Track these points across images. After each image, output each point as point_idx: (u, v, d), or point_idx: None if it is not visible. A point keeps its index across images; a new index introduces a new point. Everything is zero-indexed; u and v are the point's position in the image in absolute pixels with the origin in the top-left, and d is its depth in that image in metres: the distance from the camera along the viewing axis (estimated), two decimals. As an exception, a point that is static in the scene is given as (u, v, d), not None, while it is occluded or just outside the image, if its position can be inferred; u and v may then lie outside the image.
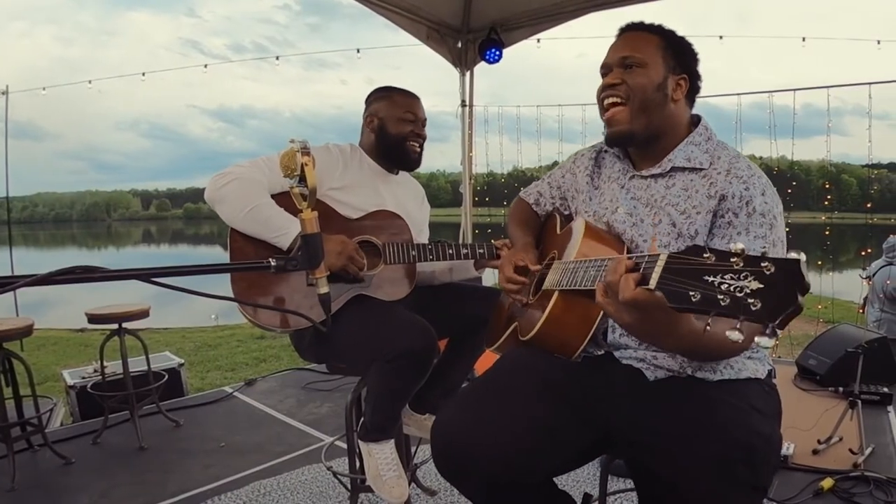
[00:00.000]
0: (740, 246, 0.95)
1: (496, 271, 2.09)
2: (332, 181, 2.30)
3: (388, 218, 2.38)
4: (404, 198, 2.54)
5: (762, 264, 0.91)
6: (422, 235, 2.60)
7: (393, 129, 2.43)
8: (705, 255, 0.97)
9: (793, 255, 0.91)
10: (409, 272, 2.38)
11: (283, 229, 2.12)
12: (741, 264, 0.93)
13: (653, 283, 1.03)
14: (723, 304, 0.93)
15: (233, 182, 2.13)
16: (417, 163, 2.53)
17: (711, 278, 0.95)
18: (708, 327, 0.98)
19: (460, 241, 2.40)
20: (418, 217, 2.59)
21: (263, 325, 2.20)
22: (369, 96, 2.53)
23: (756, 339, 0.93)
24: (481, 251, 2.37)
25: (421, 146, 2.50)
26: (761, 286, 0.91)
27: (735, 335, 0.93)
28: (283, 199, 2.18)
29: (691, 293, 0.97)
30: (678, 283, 0.99)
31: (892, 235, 6.11)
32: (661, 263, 1.03)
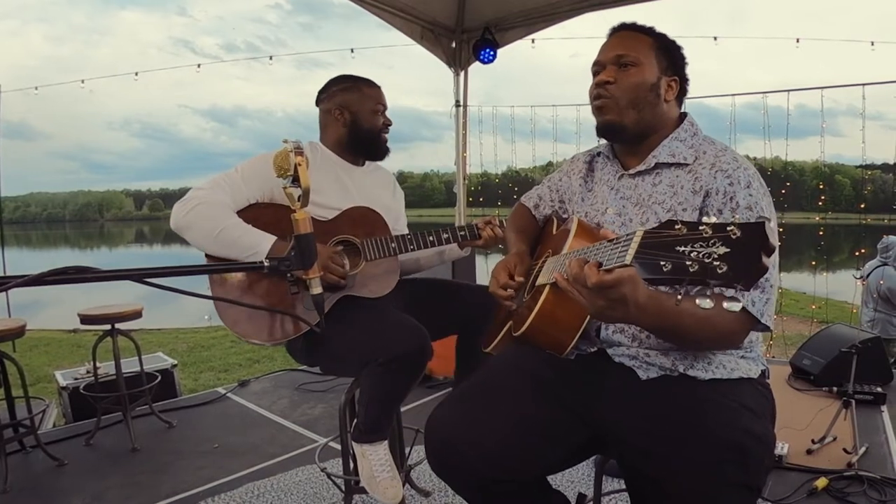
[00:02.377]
0: (713, 219, 0.97)
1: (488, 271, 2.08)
2: None
3: (363, 214, 2.36)
4: (374, 187, 2.52)
5: (728, 229, 0.94)
6: (399, 224, 2.59)
7: (367, 123, 2.43)
8: (677, 227, 1.00)
9: (763, 218, 0.94)
10: (393, 266, 2.36)
11: (254, 247, 2.12)
12: (710, 231, 0.96)
13: (629, 258, 1.05)
14: (692, 270, 0.96)
15: (196, 207, 2.13)
16: (388, 151, 2.53)
17: (682, 248, 0.97)
18: (679, 297, 0.99)
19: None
20: (393, 206, 2.58)
21: (251, 341, 2.19)
22: (329, 87, 2.49)
23: (724, 304, 0.98)
24: (462, 233, 2.36)
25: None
26: (728, 250, 0.94)
27: (705, 302, 0.97)
28: (250, 212, 2.22)
29: (662, 263, 0.99)
30: (652, 256, 1.01)
31: (885, 236, 6.13)
32: (636, 240, 1.05)
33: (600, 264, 1.16)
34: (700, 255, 0.95)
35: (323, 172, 2.38)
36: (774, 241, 0.94)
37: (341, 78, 2.49)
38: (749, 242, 0.93)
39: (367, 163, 2.56)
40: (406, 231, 2.44)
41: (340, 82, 2.47)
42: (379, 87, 2.49)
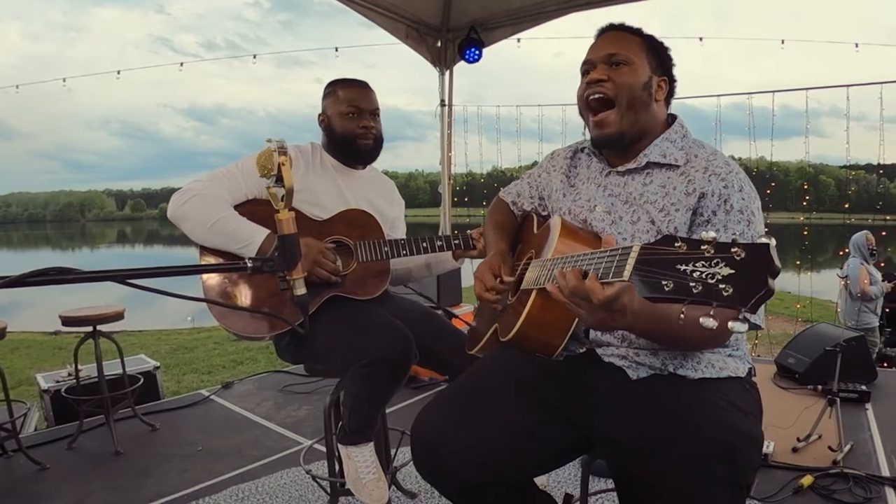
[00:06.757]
0: (712, 234, 0.95)
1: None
2: (294, 183, 2.26)
3: (358, 216, 2.35)
4: (371, 193, 2.50)
5: (732, 250, 0.92)
6: (396, 231, 2.58)
7: (339, 127, 2.38)
8: (677, 245, 0.98)
9: (763, 239, 0.91)
10: (384, 269, 2.35)
11: (247, 240, 2.12)
12: (712, 251, 0.94)
13: (626, 274, 1.03)
14: (695, 291, 0.94)
15: (193, 198, 2.14)
16: (371, 156, 2.47)
17: (684, 266, 0.95)
18: (682, 316, 0.97)
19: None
20: (389, 212, 2.56)
21: (243, 335, 2.19)
22: (323, 91, 2.48)
23: (729, 324, 0.94)
24: (456, 242, 2.34)
25: (374, 138, 2.42)
26: (732, 272, 0.91)
27: (709, 322, 0.94)
28: (247, 207, 2.21)
29: (664, 282, 0.97)
30: (651, 273, 0.99)
31: (855, 234, 6.27)
32: (633, 255, 1.04)
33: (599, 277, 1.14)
34: (703, 276, 0.93)
35: (320, 173, 2.38)
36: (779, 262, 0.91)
37: (330, 82, 2.47)
38: (754, 265, 0.90)
39: (369, 167, 2.54)
40: (401, 238, 2.41)
41: (327, 87, 2.46)
42: (357, 88, 2.41)
